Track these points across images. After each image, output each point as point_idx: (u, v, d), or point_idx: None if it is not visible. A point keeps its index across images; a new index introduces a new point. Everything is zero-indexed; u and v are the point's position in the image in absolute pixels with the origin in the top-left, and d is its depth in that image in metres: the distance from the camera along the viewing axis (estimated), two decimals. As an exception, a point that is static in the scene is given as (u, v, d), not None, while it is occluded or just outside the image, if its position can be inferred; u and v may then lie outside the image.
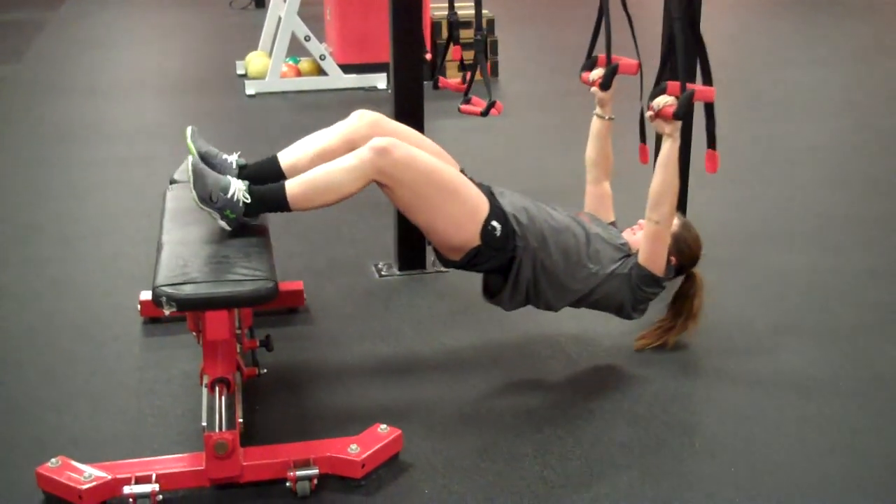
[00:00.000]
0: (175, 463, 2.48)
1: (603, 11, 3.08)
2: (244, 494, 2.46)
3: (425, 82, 3.71)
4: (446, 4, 3.65)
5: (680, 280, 3.13)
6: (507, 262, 2.83)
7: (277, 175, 2.78)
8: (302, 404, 2.88)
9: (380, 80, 6.88)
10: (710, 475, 2.54)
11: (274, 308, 3.39)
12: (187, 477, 2.44)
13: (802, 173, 5.09)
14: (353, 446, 2.50)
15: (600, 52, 3.17)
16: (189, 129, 2.80)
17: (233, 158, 2.82)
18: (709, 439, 2.70)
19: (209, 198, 2.59)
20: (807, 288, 3.68)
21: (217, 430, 2.40)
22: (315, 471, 2.44)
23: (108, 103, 6.59)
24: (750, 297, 3.60)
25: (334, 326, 3.38)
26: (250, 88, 6.76)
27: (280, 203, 2.67)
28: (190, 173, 2.60)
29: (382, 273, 3.81)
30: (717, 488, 2.48)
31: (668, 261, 2.97)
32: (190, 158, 2.64)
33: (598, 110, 3.21)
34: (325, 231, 4.25)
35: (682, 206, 3.88)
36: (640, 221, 3.01)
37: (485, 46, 3.49)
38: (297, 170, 2.77)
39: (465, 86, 3.54)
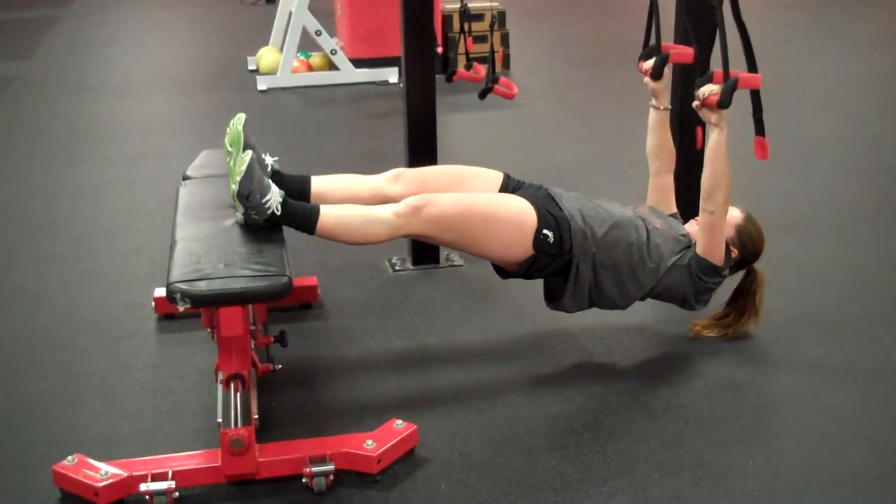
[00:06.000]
0: (191, 460, 2.47)
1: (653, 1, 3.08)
2: (260, 491, 2.45)
3: (437, 76, 3.70)
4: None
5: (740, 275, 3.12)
6: (565, 265, 2.83)
7: (302, 195, 2.83)
8: (317, 400, 2.88)
9: (391, 74, 6.85)
10: (728, 468, 2.52)
11: (288, 304, 3.39)
12: (203, 474, 2.44)
13: (822, 163, 5.05)
14: (369, 442, 2.50)
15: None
16: (242, 116, 2.71)
17: (270, 161, 2.84)
18: (726, 432, 2.69)
19: (247, 196, 2.59)
20: (826, 278, 3.65)
21: (233, 426, 2.40)
22: (331, 467, 2.44)
23: (119, 100, 6.60)
24: (768, 288, 3.56)
25: (349, 322, 3.37)
26: (262, 84, 6.76)
27: (309, 225, 2.67)
28: (245, 167, 2.56)
29: (396, 268, 3.80)
30: (735, 481, 2.46)
31: (729, 252, 2.96)
32: (250, 153, 2.60)
33: (652, 101, 3.16)
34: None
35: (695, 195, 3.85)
36: None
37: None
38: (324, 199, 2.83)
39: (484, 75, 3.57)
